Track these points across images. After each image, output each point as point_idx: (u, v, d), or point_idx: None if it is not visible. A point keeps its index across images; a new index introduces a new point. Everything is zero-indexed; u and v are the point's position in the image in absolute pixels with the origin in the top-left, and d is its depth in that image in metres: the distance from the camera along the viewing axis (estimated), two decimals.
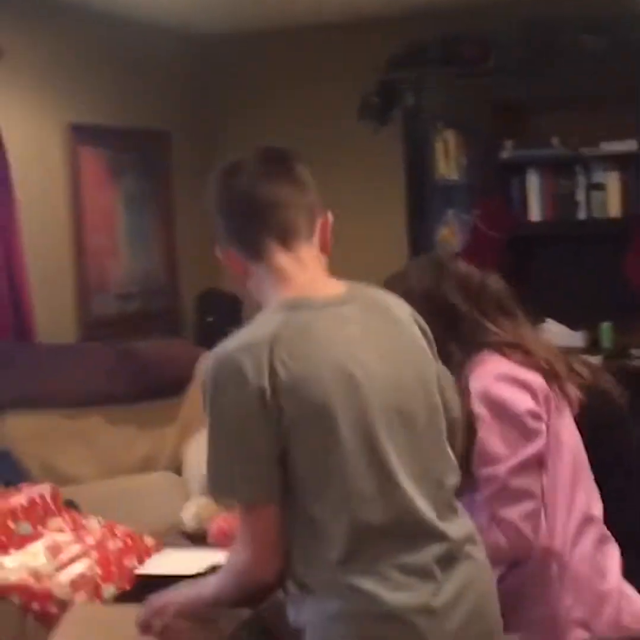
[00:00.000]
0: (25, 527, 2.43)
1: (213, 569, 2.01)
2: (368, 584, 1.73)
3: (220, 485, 1.78)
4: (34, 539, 2.40)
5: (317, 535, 1.76)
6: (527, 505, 2.15)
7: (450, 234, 5.59)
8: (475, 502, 2.18)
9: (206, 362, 1.79)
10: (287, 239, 1.88)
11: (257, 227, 1.88)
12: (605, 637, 2.20)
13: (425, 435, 1.87)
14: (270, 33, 5.91)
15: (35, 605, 2.14)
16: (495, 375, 2.26)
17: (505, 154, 5.38)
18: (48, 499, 2.62)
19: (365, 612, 1.74)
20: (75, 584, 2.22)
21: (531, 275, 5.57)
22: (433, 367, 1.95)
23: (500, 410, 2.20)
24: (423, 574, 1.77)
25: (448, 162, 5.53)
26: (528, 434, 2.19)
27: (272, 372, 1.72)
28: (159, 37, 5.77)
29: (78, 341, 5.22)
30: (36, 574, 2.21)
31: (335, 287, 1.91)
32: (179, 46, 5.96)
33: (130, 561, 2.38)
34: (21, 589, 2.16)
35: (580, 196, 5.30)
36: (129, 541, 2.49)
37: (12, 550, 2.30)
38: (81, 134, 5.28)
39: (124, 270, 5.62)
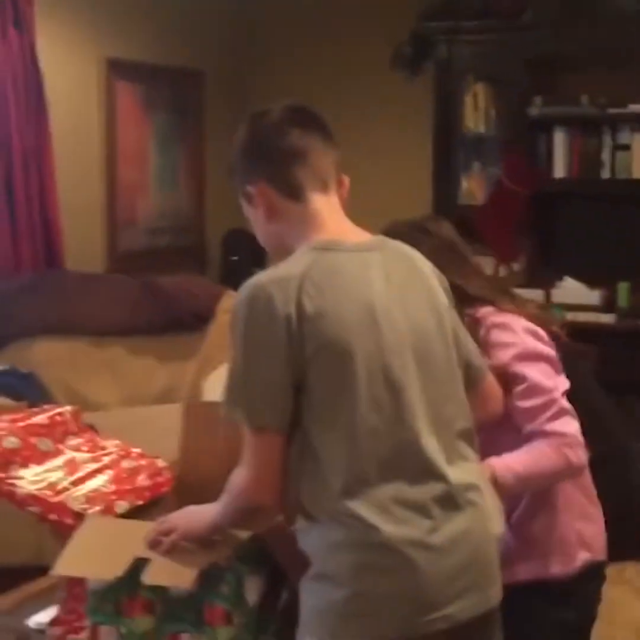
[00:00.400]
0: (46, 444, 2.57)
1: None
2: (367, 514, 1.82)
3: (235, 404, 1.87)
4: (54, 455, 2.53)
5: (322, 467, 1.86)
6: (577, 423, 2.27)
7: (474, 186, 5.67)
8: (521, 435, 2.27)
9: (239, 292, 1.88)
10: (321, 184, 1.97)
11: (298, 168, 1.94)
12: (601, 558, 2.37)
13: (440, 379, 1.96)
14: None
15: (52, 516, 2.28)
16: (514, 356, 2.35)
17: (534, 110, 5.43)
18: (68, 418, 2.75)
19: (362, 541, 1.83)
20: (90, 498, 2.36)
21: (552, 232, 5.65)
22: (450, 317, 2.04)
23: (532, 354, 2.31)
24: (421, 510, 1.86)
25: (477, 115, 5.59)
26: (559, 370, 2.33)
27: (299, 305, 1.81)
28: None
29: (106, 273, 5.35)
30: (53, 488, 2.36)
31: (363, 235, 2.00)
32: None
33: (142, 479, 2.53)
34: (39, 500, 2.31)
35: (606, 156, 5.35)
36: (143, 461, 2.63)
37: (32, 465, 2.44)
38: (117, 69, 5.39)
39: (153, 205, 5.74)
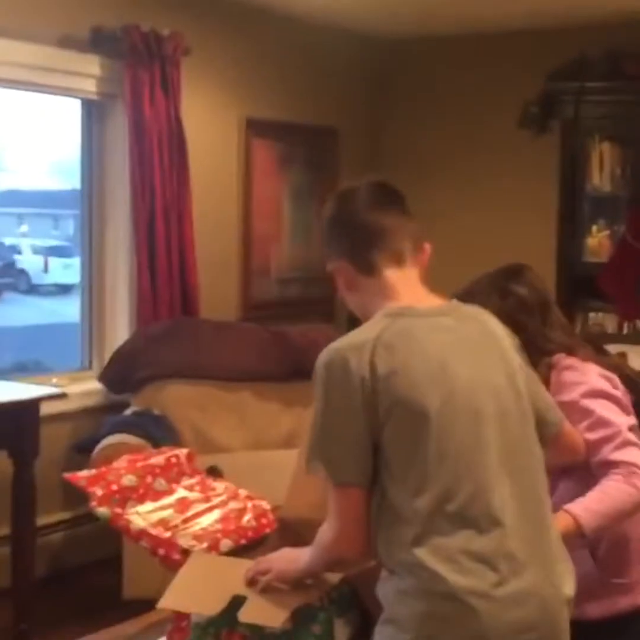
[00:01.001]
0: (161, 483, 2.80)
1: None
2: (436, 565, 1.94)
3: (318, 462, 2.01)
4: (168, 494, 2.77)
5: (396, 519, 1.99)
6: None
7: (599, 243, 5.75)
8: (590, 469, 2.39)
9: (320, 356, 2.04)
10: (396, 259, 2.13)
11: (371, 247, 2.12)
12: None
13: (514, 435, 2.07)
14: (439, 39, 6.19)
15: (161, 551, 2.51)
16: (583, 393, 2.47)
17: None
18: (183, 460, 2.98)
19: (430, 590, 1.95)
20: (198, 536, 2.58)
21: None
22: (524, 375, 2.15)
23: (599, 392, 2.45)
24: (488, 563, 1.96)
25: (602, 173, 5.69)
26: (629, 411, 2.47)
27: (372, 366, 1.95)
28: (332, 38, 6.11)
29: (239, 321, 5.62)
30: (165, 524, 2.60)
31: (436, 301, 2.14)
32: (350, 48, 6.28)
33: (248, 520, 2.74)
34: (150, 536, 2.55)
35: None
36: (249, 503, 2.84)
37: (147, 502, 2.68)
38: (255, 128, 5.69)
39: (285, 257, 6.01)
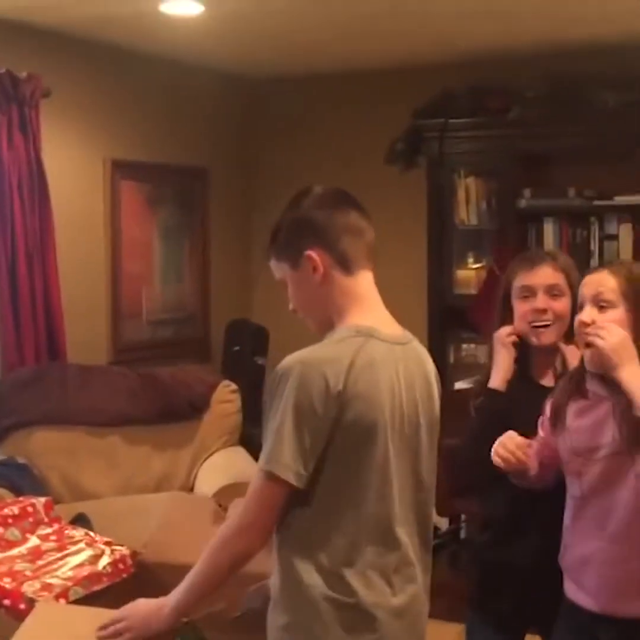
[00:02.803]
0: (13, 533, 2.71)
1: None
2: (351, 578, 2.04)
3: (270, 454, 2.03)
4: (20, 543, 2.68)
5: (325, 528, 2.05)
6: None
7: (468, 276, 5.82)
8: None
9: (286, 364, 2.04)
10: (368, 261, 2.17)
11: (355, 243, 2.14)
12: None
13: (423, 466, 2.20)
14: (305, 78, 6.23)
15: (6, 602, 2.42)
16: None
17: (523, 203, 5.59)
18: (40, 508, 2.89)
19: (342, 601, 2.04)
20: (46, 585, 2.49)
21: None
22: (437, 420, 2.26)
23: None
24: (386, 578, 2.09)
25: (469, 207, 5.76)
26: None
27: (345, 385, 2.01)
28: (199, 78, 6.11)
29: (109, 364, 5.52)
30: (13, 575, 2.50)
31: (395, 328, 2.21)
32: (218, 87, 6.29)
33: (103, 566, 2.65)
34: None
35: (594, 245, 5.49)
36: (107, 549, 2.76)
37: None
38: (122, 169, 5.62)
39: (157, 297, 5.93)
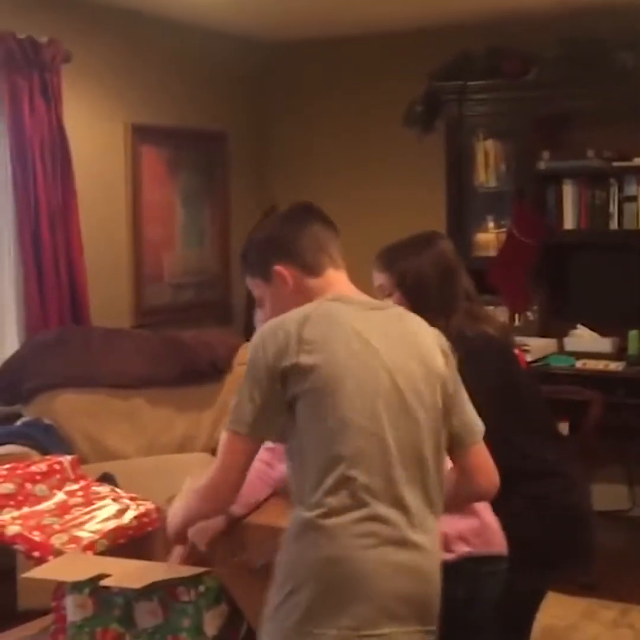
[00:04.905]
0: (42, 489, 2.79)
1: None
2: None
3: (231, 413, 2.15)
4: (48, 499, 2.75)
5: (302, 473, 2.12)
6: None
7: (487, 239, 5.85)
8: None
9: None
10: (336, 264, 2.37)
11: (318, 251, 2.35)
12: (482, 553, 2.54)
13: (420, 421, 2.16)
14: (324, 41, 6.24)
15: (36, 554, 2.50)
16: None
17: (542, 165, 5.61)
18: (67, 466, 2.96)
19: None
20: (74, 538, 2.57)
21: (564, 282, 5.80)
22: (444, 375, 2.24)
23: None
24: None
25: (487, 170, 5.78)
26: None
27: (299, 341, 2.12)
28: (217, 42, 6.13)
29: (131, 328, 5.59)
30: (41, 528, 2.58)
31: (367, 299, 2.34)
32: (236, 52, 6.30)
33: (128, 520, 2.73)
34: (25, 539, 2.52)
35: (613, 207, 5.50)
36: (133, 503, 2.83)
37: (25, 507, 2.66)
38: (142, 134, 5.66)
39: (178, 262, 5.99)
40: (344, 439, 2.07)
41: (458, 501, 2.33)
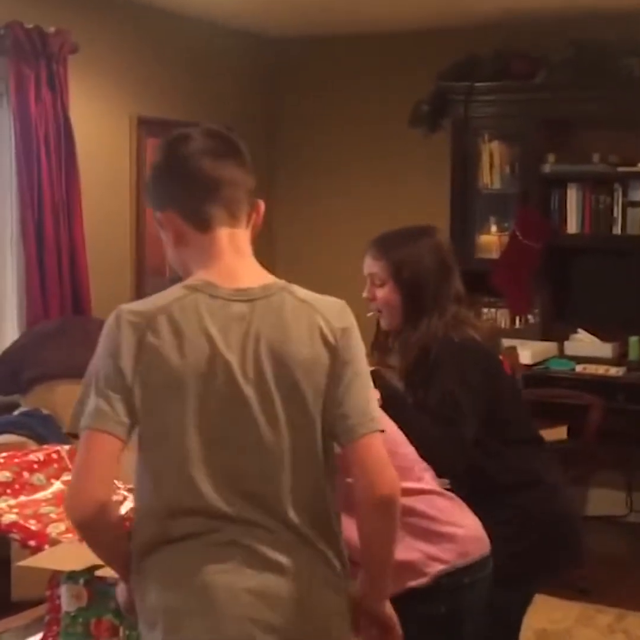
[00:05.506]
0: (39, 478, 2.78)
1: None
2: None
3: (76, 414, 1.95)
4: (45, 488, 2.75)
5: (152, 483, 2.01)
6: None
7: (489, 241, 5.84)
8: None
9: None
10: (230, 215, 1.98)
11: (206, 199, 1.97)
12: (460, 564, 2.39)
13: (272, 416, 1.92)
14: (330, 39, 6.24)
15: (32, 542, 2.49)
16: None
17: (547, 168, 5.60)
18: (65, 455, 2.95)
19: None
20: (70, 528, 2.56)
21: (566, 285, 5.79)
22: (308, 367, 1.94)
23: None
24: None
25: (492, 171, 5.78)
26: None
27: (151, 335, 1.89)
28: (225, 37, 6.13)
29: None
30: (38, 517, 2.57)
31: (251, 281, 1.98)
32: (243, 47, 6.30)
33: (127, 511, 2.71)
34: (21, 528, 2.52)
35: (617, 212, 5.50)
36: (129, 495, 2.82)
37: (22, 496, 2.65)
38: (147, 126, 5.65)
39: None
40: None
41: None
